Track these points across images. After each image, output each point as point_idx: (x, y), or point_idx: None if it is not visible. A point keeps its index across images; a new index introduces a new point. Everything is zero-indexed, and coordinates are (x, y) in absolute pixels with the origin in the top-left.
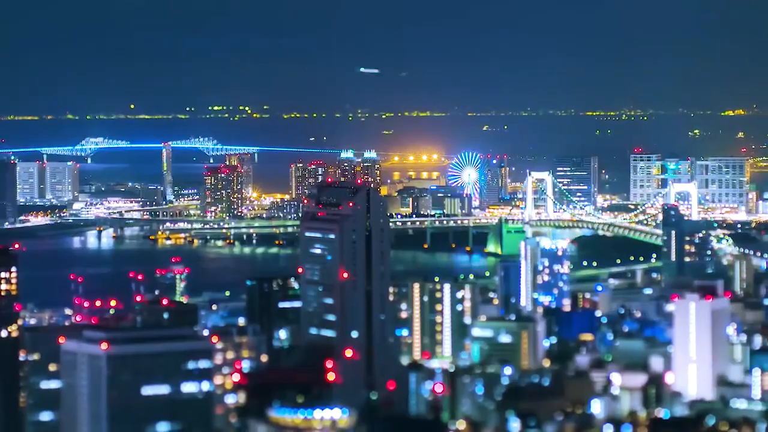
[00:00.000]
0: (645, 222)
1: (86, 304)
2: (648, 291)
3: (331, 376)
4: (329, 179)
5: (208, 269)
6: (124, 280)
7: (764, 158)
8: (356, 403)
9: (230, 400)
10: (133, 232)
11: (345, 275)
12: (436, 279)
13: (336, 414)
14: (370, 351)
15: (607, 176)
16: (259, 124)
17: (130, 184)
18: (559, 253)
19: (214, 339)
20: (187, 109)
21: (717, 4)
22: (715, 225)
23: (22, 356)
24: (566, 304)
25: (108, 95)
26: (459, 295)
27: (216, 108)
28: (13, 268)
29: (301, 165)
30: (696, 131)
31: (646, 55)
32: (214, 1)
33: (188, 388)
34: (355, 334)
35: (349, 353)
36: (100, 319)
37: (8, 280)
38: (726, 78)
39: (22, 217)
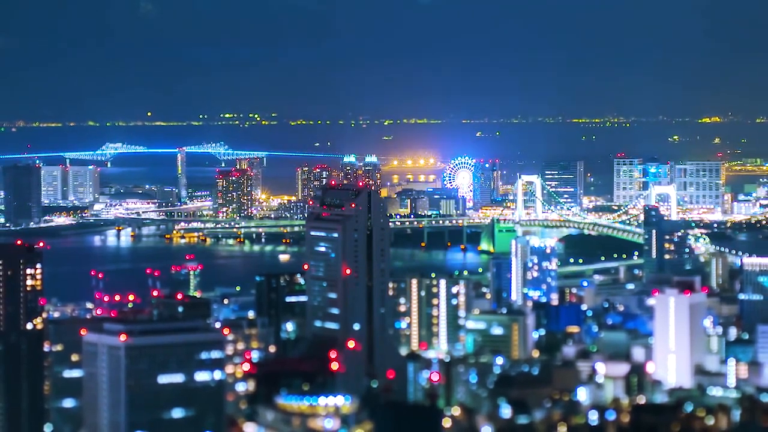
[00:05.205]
0: (627, 222)
1: (106, 299)
2: (630, 286)
3: (334, 366)
4: (333, 182)
5: (219, 266)
6: (142, 276)
7: (739, 162)
8: (358, 391)
9: (240, 388)
10: (149, 231)
11: (347, 271)
12: (433, 275)
13: (339, 401)
14: (371, 342)
15: (592, 179)
16: (267, 130)
17: (147, 186)
18: (548, 250)
19: (226, 331)
20: (201, 116)
21: (696, 19)
22: (693, 225)
23: (46, 347)
24: (554, 299)
25: (127, 103)
26: (454, 290)
27: (227, 115)
28: (38, 265)
29: (306, 168)
30: (675, 137)
31: (628, 67)
32: (226, 16)
33: (201, 376)
34: (357, 327)
35: (351, 344)
36: (119, 313)
37: (33, 276)
38: (703, 87)
39: (46, 218)
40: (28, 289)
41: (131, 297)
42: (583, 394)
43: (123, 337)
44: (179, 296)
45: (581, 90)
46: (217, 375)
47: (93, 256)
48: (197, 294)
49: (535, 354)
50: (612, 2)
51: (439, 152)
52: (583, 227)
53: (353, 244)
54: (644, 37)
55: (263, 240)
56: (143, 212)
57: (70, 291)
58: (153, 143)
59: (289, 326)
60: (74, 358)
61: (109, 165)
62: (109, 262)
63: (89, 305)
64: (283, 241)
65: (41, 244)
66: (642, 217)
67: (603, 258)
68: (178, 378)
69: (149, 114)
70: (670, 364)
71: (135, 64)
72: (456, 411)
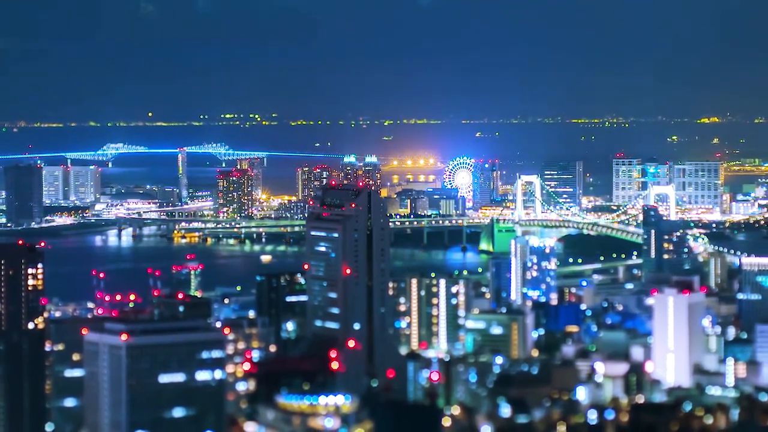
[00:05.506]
0: (626, 222)
1: (107, 298)
2: (629, 286)
3: (334, 365)
4: (333, 182)
5: (220, 266)
6: (143, 276)
7: (737, 162)
8: (358, 390)
9: (241, 387)
10: (150, 231)
11: (348, 271)
12: (433, 275)
13: (339, 400)
14: (371, 342)
15: (591, 179)
16: (268, 130)
17: (148, 186)
18: (547, 250)
19: (226, 330)
20: (201, 116)
21: (696, 19)
22: (692, 225)
23: (47, 346)
24: (553, 298)
25: (127, 104)
26: (454, 289)
27: (228, 116)
28: (40, 265)
29: (306, 169)
30: (674, 137)
31: (627, 67)
32: (226, 17)
33: (202, 376)
34: (357, 326)
35: (351, 344)
36: (120, 312)
37: (35, 276)
38: (702, 88)
39: (48, 218)
40: (30, 288)
41: (132, 297)
42: (582, 394)
43: (124, 337)
44: (180, 296)
45: (580, 90)
46: (218, 374)
47: (94, 255)
48: (198, 294)
49: (535, 353)
50: (611, 3)
51: (438, 152)
52: (582, 227)
53: (353, 244)
54: (643, 37)
55: (264, 240)
56: (144, 212)
57: (71, 291)
58: (154, 143)
59: (290, 326)
60: (75, 357)
61: (110, 165)
62: (110, 262)
63: (90, 305)
64: (284, 240)
65: (42, 244)
66: (641, 217)
67: (602, 258)
68: (179, 377)
69: (150, 114)
70: (669, 363)
71: (136, 64)
72: (456, 410)
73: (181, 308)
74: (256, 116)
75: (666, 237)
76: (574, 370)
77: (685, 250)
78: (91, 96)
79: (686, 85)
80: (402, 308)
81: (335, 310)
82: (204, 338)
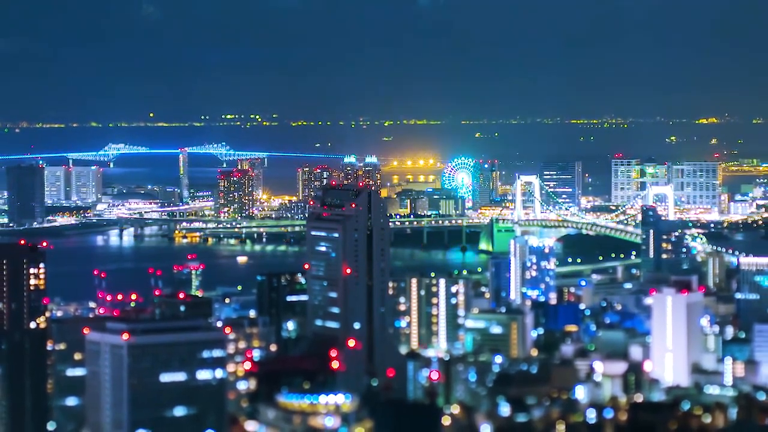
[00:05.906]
0: (625, 222)
1: (109, 298)
2: (628, 285)
3: (335, 364)
4: (333, 182)
5: (221, 265)
6: (144, 276)
7: (735, 163)
8: (358, 389)
9: (242, 386)
10: (152, 231)
11: (348, 271)
12: (432, 274)
13: (339, 399)
14: (371, 341)
15: (590, 179)
16: (268, 131)
17: (149, 186)
18: (546, 250)
19: (227, 330)
20: (202, 117)
21: (694, 20)
22: (690, 224)
23: (49, 346)
24: (552, 298)
25: (129, 105)
26: (453, 289)
27: (229, 116)
28: (42, 265)
29: (307, 169)
30: (673, 138)
31: (627, 67)
32: (227, 18)
33: (203, 375)
34: (357, 326)
35: (351, 343)
36: (121, 312)
37: (37, 276)
38: (701, 88)
39: (50, 218)
40: (32, 288)
41: (133, 296)
42: (581, 393)
43: (125, 336)
44: (181, 295)
45: (580, 91)
46: (219, 373)
47: (96, 255)
48: (199, 293)
49: (534, 353)
50: (610, 3)
51: (438, 152)
52: (581, 227)
53: (353, 244)
54: (643, 37)
55: (264, 240)
56: (145, 212)
57: (73, 290)
58: (155, 144)
59: (290, 325)
60: (77, 356)
61: (111, 165)
62: (111, 262)
63: (92, 304)
64: (285, 240)
65: (44, 244)
66: (639, 217)
67: (601, 258)
68: (180, 376)
69: (151, 115)
70: (668, 362)
71: (137, 65)
72: (455, 409)
73: (182, 308)
74: (257, 117)
75: (664, 237)
76: (573, 369)
77: (684, 249)
78: (93, 97)
79: (685, 86)
80: (402, 308)
81: (335, 310)
82: (205, 338)
